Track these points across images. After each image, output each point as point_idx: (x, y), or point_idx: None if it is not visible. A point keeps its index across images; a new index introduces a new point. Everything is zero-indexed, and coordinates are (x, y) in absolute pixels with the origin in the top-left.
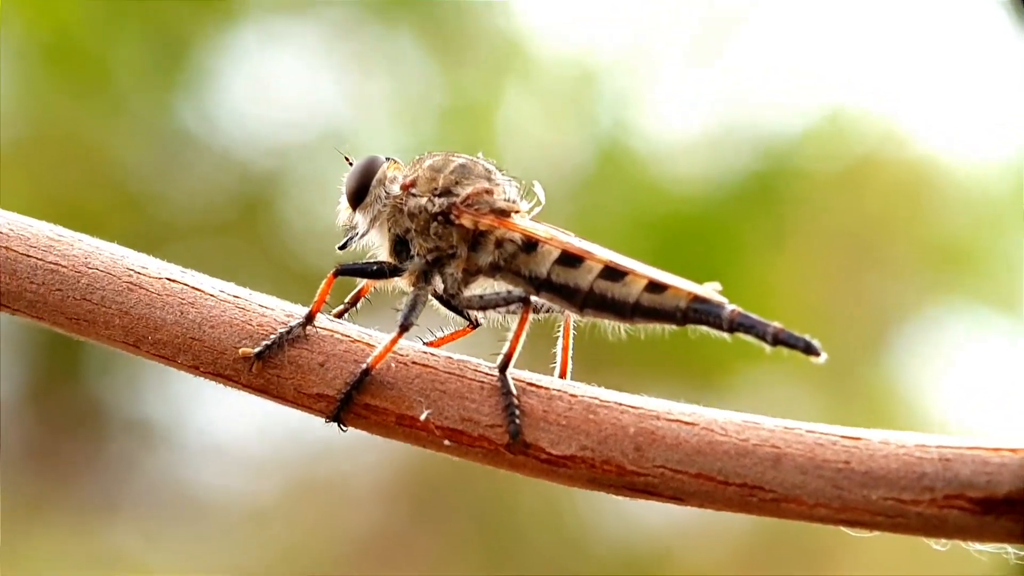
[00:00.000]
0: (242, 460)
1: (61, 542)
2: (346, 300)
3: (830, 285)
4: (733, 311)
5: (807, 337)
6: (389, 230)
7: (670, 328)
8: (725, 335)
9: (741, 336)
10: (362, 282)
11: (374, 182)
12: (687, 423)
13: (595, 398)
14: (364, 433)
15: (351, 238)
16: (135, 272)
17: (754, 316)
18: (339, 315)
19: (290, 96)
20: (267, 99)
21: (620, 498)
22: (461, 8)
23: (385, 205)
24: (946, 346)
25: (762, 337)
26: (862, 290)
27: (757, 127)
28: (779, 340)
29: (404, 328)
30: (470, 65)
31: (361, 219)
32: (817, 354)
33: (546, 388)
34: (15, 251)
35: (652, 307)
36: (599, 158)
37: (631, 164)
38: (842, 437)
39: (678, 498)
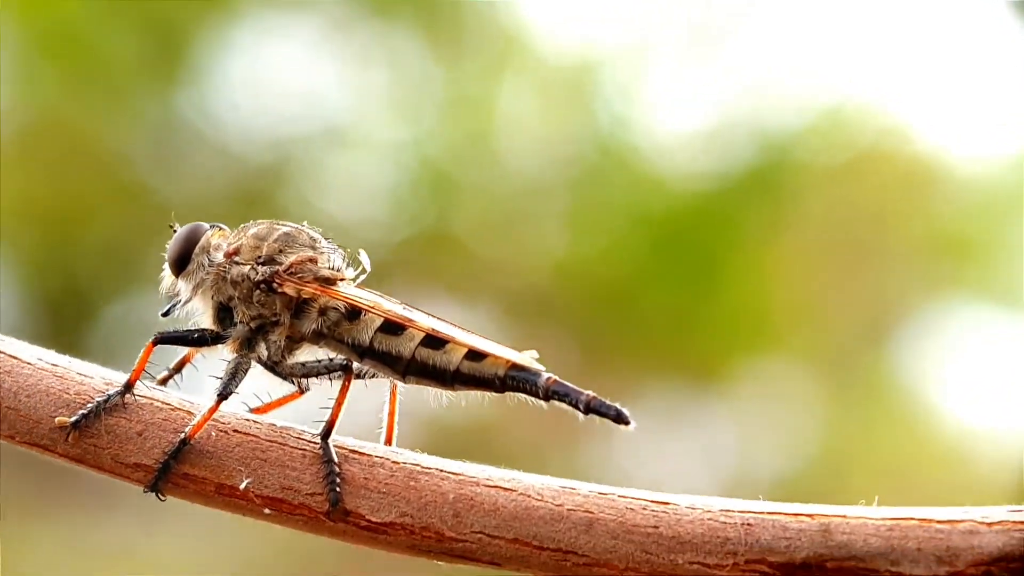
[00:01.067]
0: None
1: (63, 535)
2: (170, 367)
3: (830, 278)
4: (548, 379)
5: (618, 405)
6: (212, 297)
7: (490, 395)
8: (542, 403)
9: (556, 404)
10: (186, 349)
11: (197, 249)
12: (505, 489)
13: (417, 464)
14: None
15: (173, 305)
16: None
17: (569, 384)
18: (163, 381)
19: (289, 89)
20: (266, 92)
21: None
22: (460, 1)
23: (208, 273)
24: (946, 338)
25: (575, 405)
26: (863, 283)
27: (757, 120)
28: (591, 408)
29: (223, 397)
30: (469, 58)
31: (184, 286)
32: (627, 423)
33: (368, 455)
34: None
35: (471, 374)
36: (598, 151)
37: (630, 157)
38: (652, 502)
39: (496, 563)
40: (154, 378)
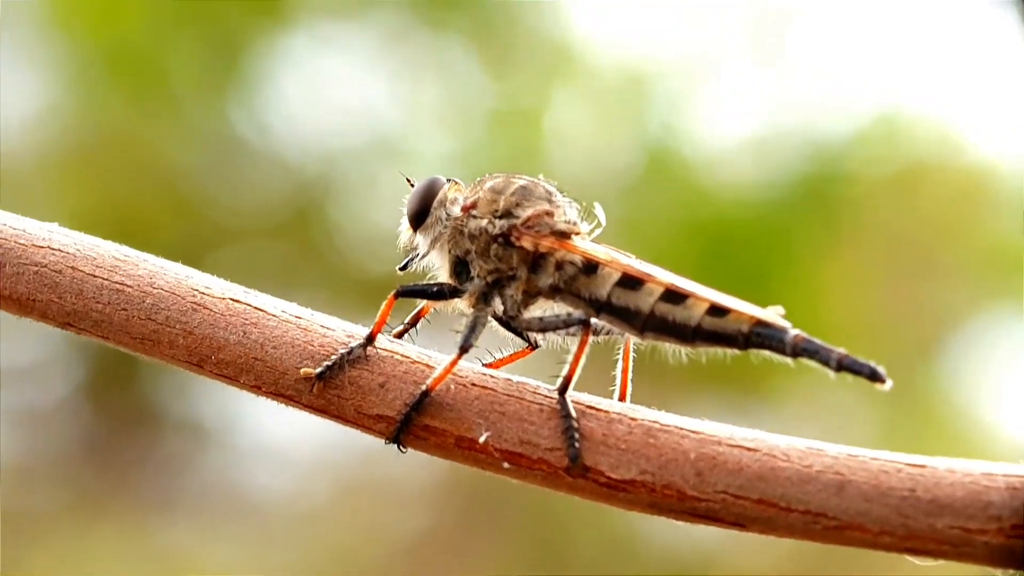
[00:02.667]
0: (293, 461)
1: (118, 539)
2: (406, 321)
3: (884, 291)
4: (797, 336)
5: (872, 364)
6: (449, 251)
7: (732, 352)
8: (788, 360)
9: (804, 361)
10: (422, 303)
11: (435, 203)
12: (749, 449)
13: (655, 422)
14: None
15: (411, 259)
16: (199, 292)
17: (818, 341)
18: (399, 335)
19: (342, 101)
20: (319, 104)
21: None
22: (511, 12)
23: (446, 227)
24: (1002, 353)
25: (826, 363)
26: (917, 296)
27: (809, 130)
28: (843, 366)
29: (464, 350)
30: (520, 69)
31: (422, 240)
32: (883, 381)
33: (606, 411)
34: (81, 271)
35: (713, 331)
36: (648, 162)
37: (680, 168)
38: (907, 465)
39: (740, 524)
40: (392, 330)
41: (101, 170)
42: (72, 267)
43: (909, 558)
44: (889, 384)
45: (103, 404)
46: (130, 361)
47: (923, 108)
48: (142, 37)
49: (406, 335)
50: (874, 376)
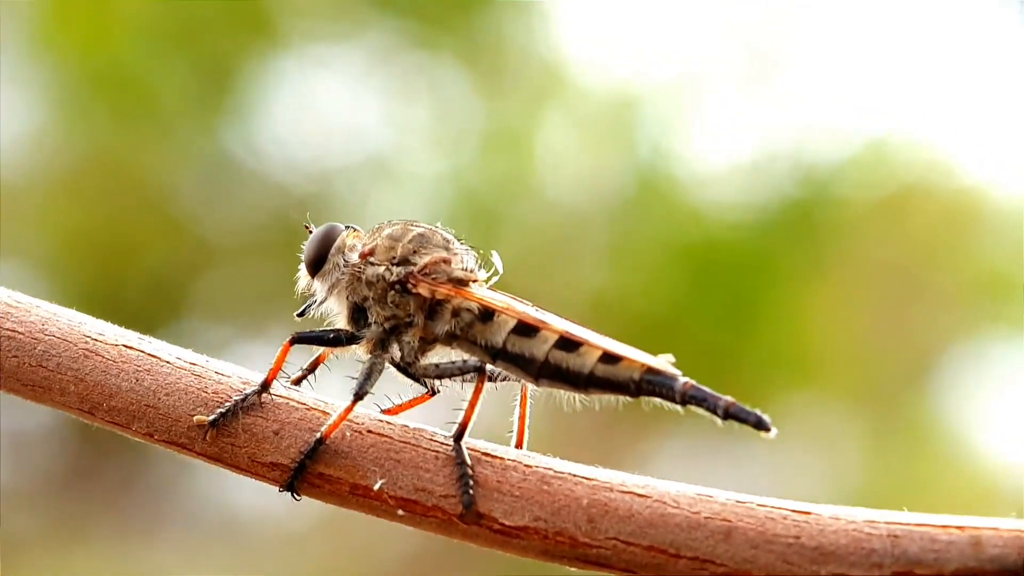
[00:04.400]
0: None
1: (102, 562)
2: (304, 367)
3: (872, 315)
4: (686, 383)
5: (758, 412)
6: (347, 298)
7: (624, 399)
8: (678, 407)
9: (693, 409)
10: (320, 349)
11: (333, 250)
12: (640, 495)
13: (549, 468)
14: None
15: (309, 305)
16: (92, 339)
17: (706, 389)
18: (297, 382)
19: (332, 121)
20: (310, 124)
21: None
22: (502, 35)
23: (344, 273)
24: (991, 377)
25: (713, 411)
26: (905, 320)
27: (798, 154)
28: (730, 414)
29: (359, 397)
30: (510, 91)
31: (319, 287)
32: (768, 429)
33: (501, 458)
34: None
35: (606, 378)
36: (638, 184)
37: (670, 190)
38: (792, 511)
39: (630, 571)
40: (289, 377)
41: (91, 191)
42: None
43: None
44: (774, 432)
45: (88, 428)
46: None
47: (912, 133)
48: (133, 58)
49: (304, 381)
50: (760, 425)
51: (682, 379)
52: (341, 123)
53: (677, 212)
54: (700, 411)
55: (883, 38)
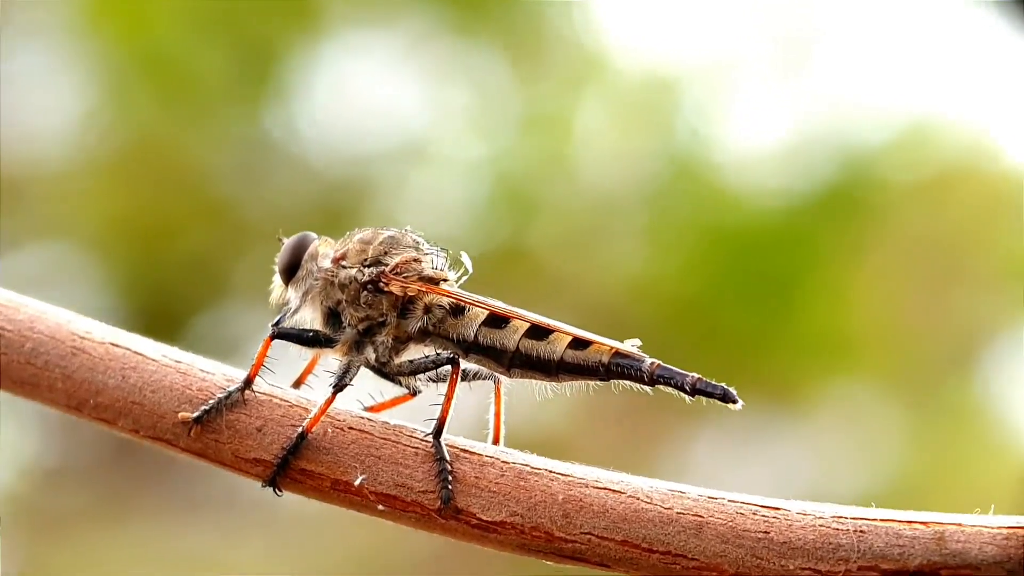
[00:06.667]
0: None
1: (143, 540)
2: (302, 371)
3: (914, 299)
4: (653, 364)
5: (723, 385)
6: (321, 303)
7: (595, 384)
8: (647, 388)
9: (661, 388)
10: (303, 351)
11: (306, 256)
12: (615, 491)
13: (526, 465)
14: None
15: (284, 314)
16: (79, 336)
17: (673, 368)
18: (296, 385)
19: (370, 105)
20: (349, 108)
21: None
22: (540, 18)
23: (316, 279)
24: None
25: (681, 387)
26: (947, 305)
27: (837, 136)
28: (697, 389)
29: (338, 389)
30: (548, 75)
31: (293, 295)
32: (735, 402)
33: (479, 454)
34: None
35: (576, 363)
36: (675, 168)
37: (708, 174)
38: (762, 507)
39: (604, 565)
40: (273, 372)
41: (136, 174)
42: None
43: None
44: (739, 405)
45: None
46: None
47: (954, 114)
48: (176, 43)
49: (302, 386)
50: (726, 397)
51: (648, 360)
52: (380, 108)
53: (715, 195)
54: (668, 389)
55: (926, 18)
